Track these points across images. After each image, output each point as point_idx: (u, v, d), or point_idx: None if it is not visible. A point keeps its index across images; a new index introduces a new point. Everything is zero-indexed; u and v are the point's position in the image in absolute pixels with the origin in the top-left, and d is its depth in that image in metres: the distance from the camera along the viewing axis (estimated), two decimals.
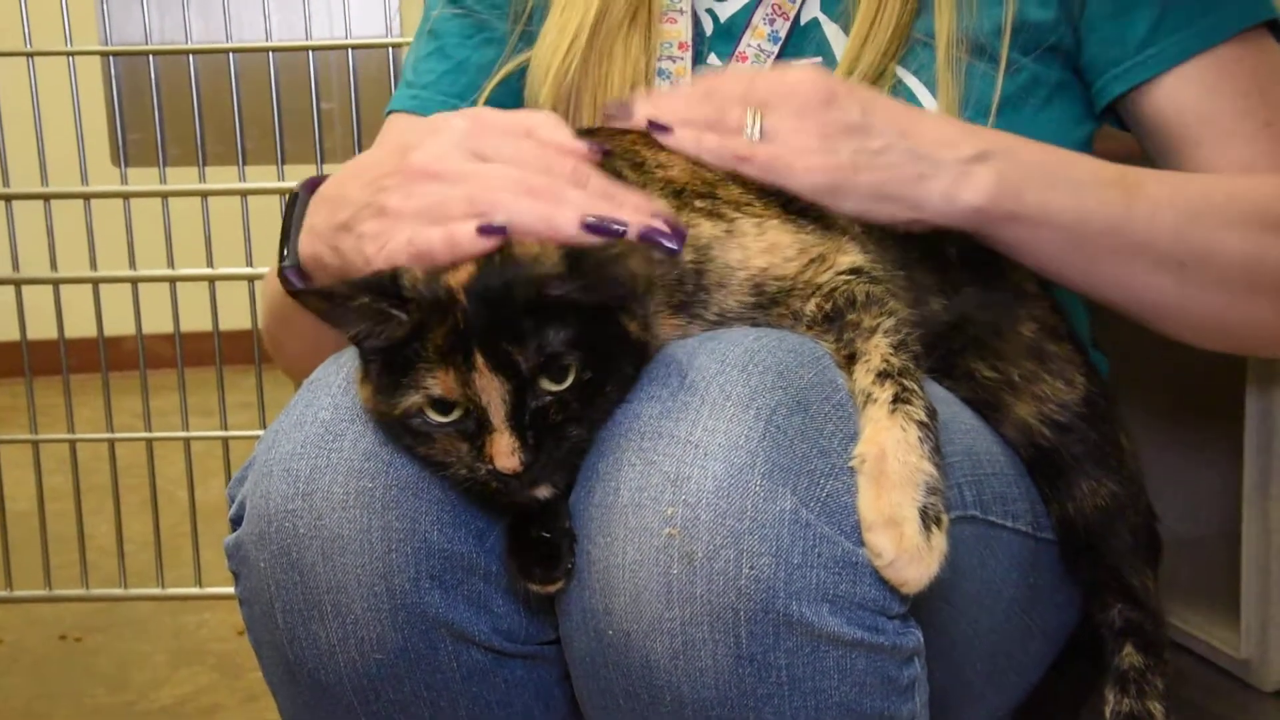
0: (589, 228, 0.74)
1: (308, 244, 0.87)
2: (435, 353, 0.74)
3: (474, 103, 1.12)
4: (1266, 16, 1.01)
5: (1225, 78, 1.00)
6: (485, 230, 0.74)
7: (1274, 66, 1.01)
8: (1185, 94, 1.01)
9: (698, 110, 0.90)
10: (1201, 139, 1.00)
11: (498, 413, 0.74)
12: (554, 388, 0.74)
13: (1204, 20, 1.00)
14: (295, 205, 0.90)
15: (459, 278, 0.74)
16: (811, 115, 0.89)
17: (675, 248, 0.76)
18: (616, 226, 0.74)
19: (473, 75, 1.13)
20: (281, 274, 0.89)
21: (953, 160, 0.90)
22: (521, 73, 1.12)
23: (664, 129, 0.89)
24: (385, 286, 0.75)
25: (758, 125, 0.89)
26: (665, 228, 0.75)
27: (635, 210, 0.76)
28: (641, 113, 0.91)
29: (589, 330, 0.75)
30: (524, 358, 0.73)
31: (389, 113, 1.17)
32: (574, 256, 0.74)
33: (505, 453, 0.74)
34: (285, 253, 0.89)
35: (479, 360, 0.73)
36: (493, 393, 0.74)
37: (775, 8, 1.07)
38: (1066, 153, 0.95)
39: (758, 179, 0.88)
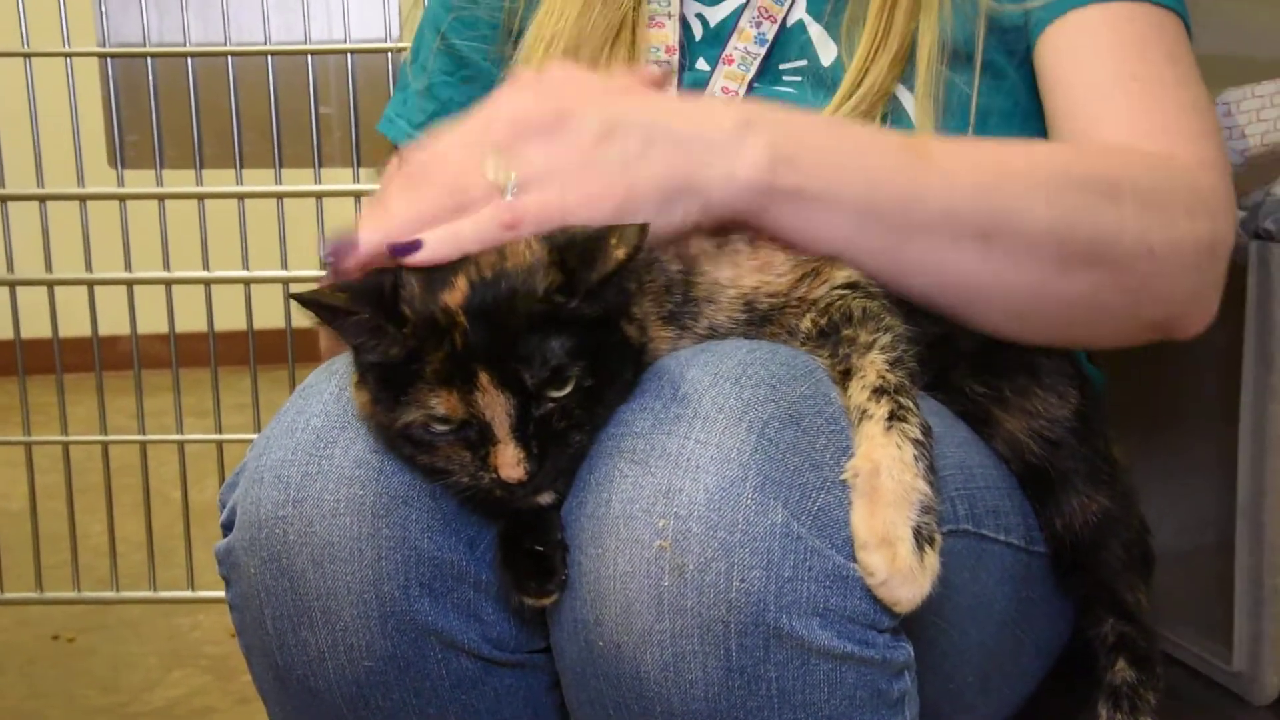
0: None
1: None
2: (435, 375, 0.74)
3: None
4: (1167, 2, 0.99)
5: (1109, 30, 0.98)
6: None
7: (1166, 37, 0.98)
8: (1067, 41, 0.99)
9: (432, 202, 0.78)
10: (1071, 85, 0.97)
11: (502, 426, 0.74)
12: (556, 394, 0.74)
13: None
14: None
15: (454, 297, 0.74)
16: (554, 141, 0.79)
17: None
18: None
19: (454, 114, 1.13)
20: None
21: (720, 135, 0.81)
22: None
23: (411, 247, 0.76)
24: (384, 300, 0.75)
25: (510, 179, 0.78)
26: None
27: None
28: (367, 239, 0.78)
29: (589, 337, 0.75)
30: (529, 374, 0.73)
31: (382, 126, 1.17)
32: (560, 250, 0.74)
33: (511, 464, 0.74)
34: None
35: (483, 379, 0.73)
36: (497, 408, 0.74)
37: (762, 10, 1.07)
38: (841, 120, 0.91)
39: (536, 235, 0.77)
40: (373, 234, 0.78)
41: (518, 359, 0.73)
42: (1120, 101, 0.96)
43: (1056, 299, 0.90)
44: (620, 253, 0.73)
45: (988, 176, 0.87)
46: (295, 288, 1.30)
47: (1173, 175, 0.92)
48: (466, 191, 0.79)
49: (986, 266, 0.87)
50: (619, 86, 0.85)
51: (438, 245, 0.76)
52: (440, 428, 0.75)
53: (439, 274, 0.75)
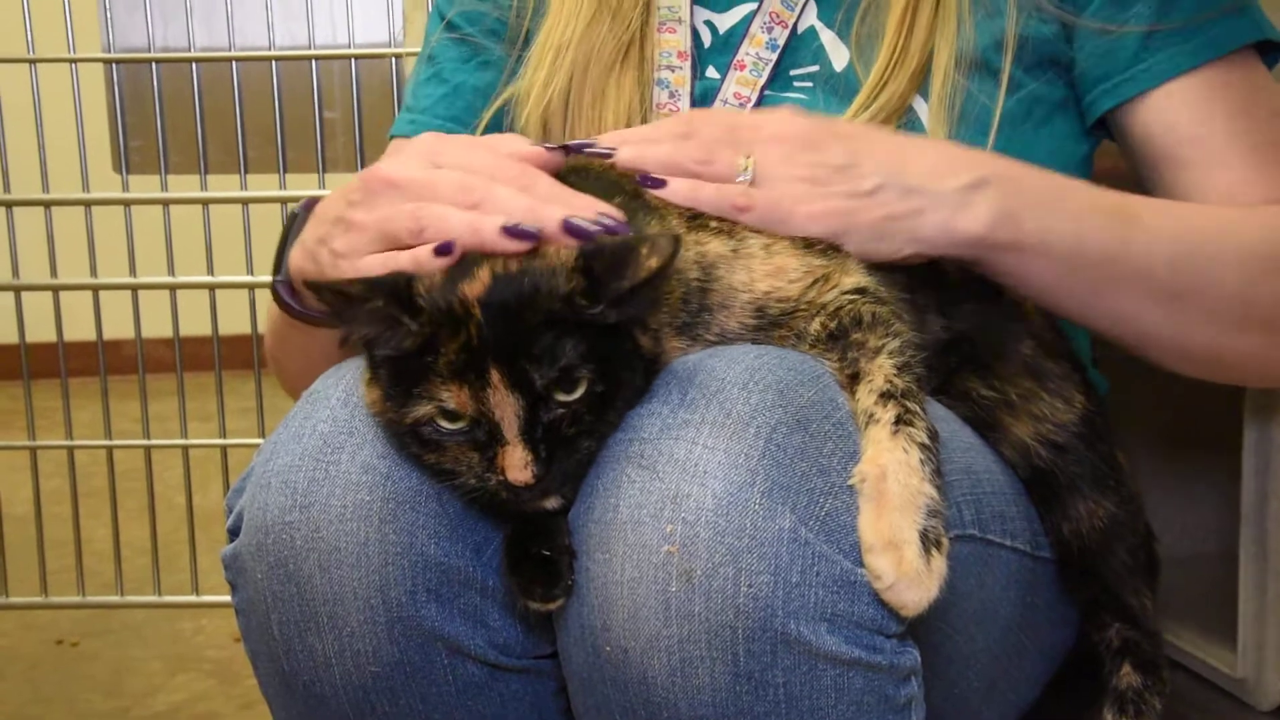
0: (509, 232, 0.76)
1: (296, 259, 0.90)
2: (448, 368, 0.74)
3: (473, 128, 1.12)
4: (1258, 37, 1.01)
5: (1215, 98, 1.00)
6: (441, 250, 0.78)
7: (1260, 88, 1.01)
8: (1173, 112, 1.00)
9: (683, 152, 0.88)
10: (1189, 160, 1.00)
11: (511, 427, 0.74)
12: (566, 398, 0.74)
13: (1196, 38, 1.00)
14: (294, 224, 0.94)
15: (474, 289, 0.74)
16: (797, 159, 0.88)
17: (597, 233, 0.77)
18: (531, 230, 0.77)
19: (469, 98, 1.13)
20: (274, 289, 0.94)
21: (949, 191, 0.89)
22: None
23: (658, 182, 0.87)
24: (399, 291, 0.75)
25: (750, 169, 0.87)
26: (589, 219, 0.77)
27: (573, 210, 0.78)
28: (625, 157, 0.88)
29: (602, 343, 0.75)
30: (540, 375, 0.73)
31: (391, 137, 1.17)
32: (588, 257, 0.75)
33: (518, 466, 0.74)
34: (279, 268, 0.94)
35: (494, 377, 0.73)
36: (507, 408, 0.74)
37: (774, 16, 1.07)
38: (1064, 179, 0.95)
39: (756, 226, 0.86)
40: (632, 149, 0.88)
41: (528, 358, 0.73)
42: (1247, 173, 0.99)
43: (1231, 352, 0.97)
44: (653, 263, 0.74)
45: (1185, 243, 0.94)
46: None
47: None
48: (713, 160, 0.87)
49: (1171, 322, 0.95)
50: (875, 134, 0.93)
51: (679, 190, 0.86)
52: (449, 426, 0.75)
53: (464, 263, 0.76)
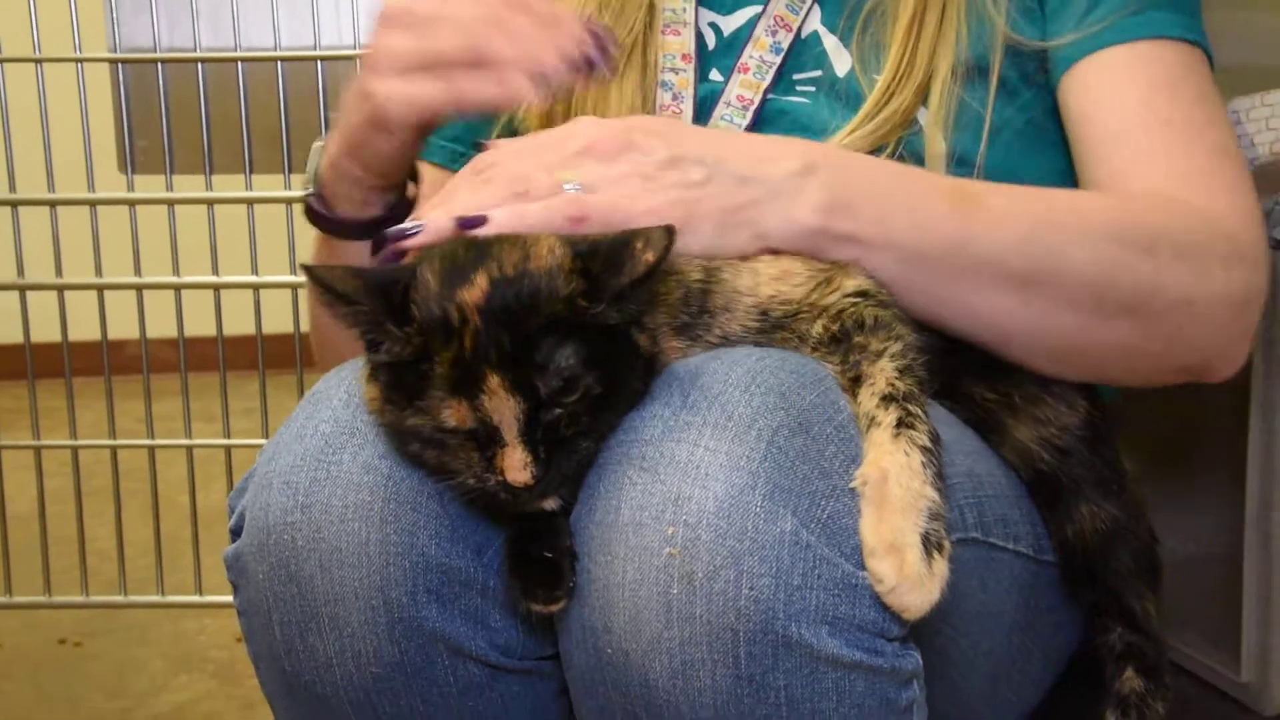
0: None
1: (325, 162, 0.96)
2: (443, 382, 0.74)
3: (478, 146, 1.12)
4: (1192, 37, 1.00)
5: (1137, 71, 0.99)
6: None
7: (1193, 77, 1.00)
8: (1095, 81, 0.99)
9: (496, 195, 0.83)
10: (1104, 125, 0.98)
11: (510, 430, 0.74)
12: (566, 400, 0.74)
13: (1130, 20, 0.99)
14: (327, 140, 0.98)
15: (473, 295, 0.74)
16: (619, 161, 0.84)
17: (599, 60, 0.81)
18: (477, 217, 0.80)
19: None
20: (307, 205, 0.98)
21: (779, 176, 0.86)
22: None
23: (477, 221, 0.81)
24: (392, 296, 0.75)
25: (575, 182, 0.83)
26: (578, 50, 0.81)
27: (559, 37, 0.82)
28: (434, 220, 0.82)
29: (601, 343, 0.75)
30: (542, 381, 0.73)
31: None
32: (584, 257, 0.74)
33: (517, 467, 0.74)
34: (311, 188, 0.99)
35: (493, 383, 0.73)
36: (506, 412, 0.74)
37: (778, 19, 1.07)
38: (896, 165, 0.93)
39: (597, 233, 0.79)
40: (440, 216, 0.82)
41: (531, 364, 0.73)
42: (1152, 146, 0.97)
43: (1094, 343, 0.93)
44: (649, 256, 0.74)
45: (1032, 227, 0.90)
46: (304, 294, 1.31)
47: (1210, 226, 0.94)
48: (530, 190, 0.82)
49: (1027, 312, 0.90)
50: (685, 127, 0.91)
51: (504, 220, 0.80)
52: (448, 431, 0.75)
53: (459, 269, 0.75)
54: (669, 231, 0.75)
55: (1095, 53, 1.00)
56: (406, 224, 0.83)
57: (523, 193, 0.82)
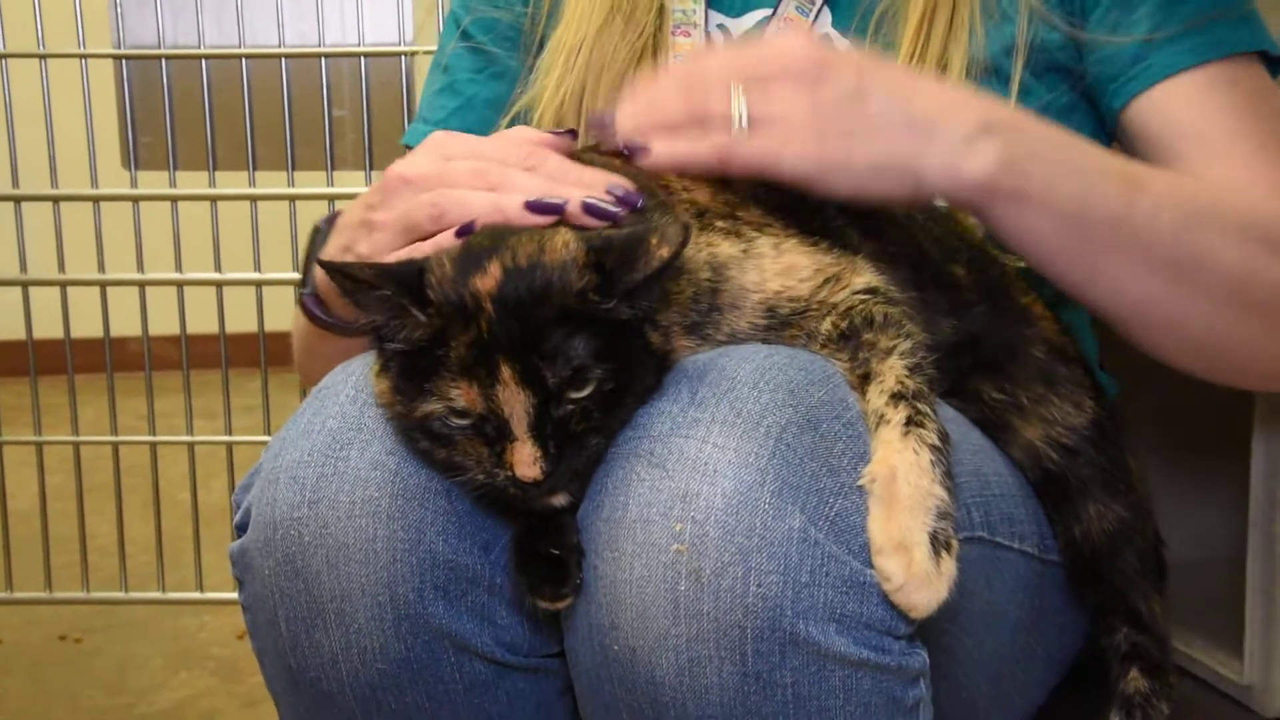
0: (531, 207, 0.79)
1: (319, 272, 0.91)
2: (458, 363, 0.74)
3: None
4: (1259, 46, 1.01)
5: (1215, 95, 0.99)
6: (462, 231, 0.80)
7: (1263, 91, 1.01)
8: (1174, 108, 1.00)
9: (680, 105, 0.86)
10: (1188, 154, 0.99)
11: (520, 423, 0.74)
12: (576, 395, 0.74)
13: (1197, 38, 0.99)
14: (318, 237, 0.96)
15: (486, 283, 0.74)
16: (803, 90, 0.85)
17: (618, 212, 0.80)
18: (556, 202, 0.79)
19: (481, 111, 1.13)
20: (301, 301, 0.96)
21: (956, 130, 0.86)
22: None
23: (640, 150, 0.86)
24: (410, 280, 0.75)
25: (743, 114, 0.84)
26: (609, 198, 0.79)
27: (584, 186, 0.80)
28: (622, 123, 0.87)
29: (614, 340, 0.75)
30: (552, 373, 0.73)
31: (404, 146, 1.17)
32: (598, 251, 0.75)
33: (527, 462, 0.74)
34: (305, 282, 0.96)
35: (505, 373, 0.73)
36: (516, 404, 0.74)
37: (788, 22, 1.07)
38: (1072, 136, 0.93)
39: (744, 176, 0.86)
40: (627, 119, 0.87)
41: (541, 355, 0.73)
42: (1254, 175, 0.98)
43: (1226, 337, 0.95)
44: (664, 252, 0.74)
45: (1188, 215, 0.91)
46: None
47: None
48: (708, 112, 0.85)
49: (1169, 294, 0.92)
50: (882, 63, 0.91)
51: (660, 156, 0.85)
52: (458, 421, 0.75)
53: (473, 256, 0.76)
54: (685, 228, 0.75)
55: (1169, 78, 1.00)
56: (604, 112, 0.88)
57: (699, 113, 0.85)
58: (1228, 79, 0.99)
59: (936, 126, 0.86)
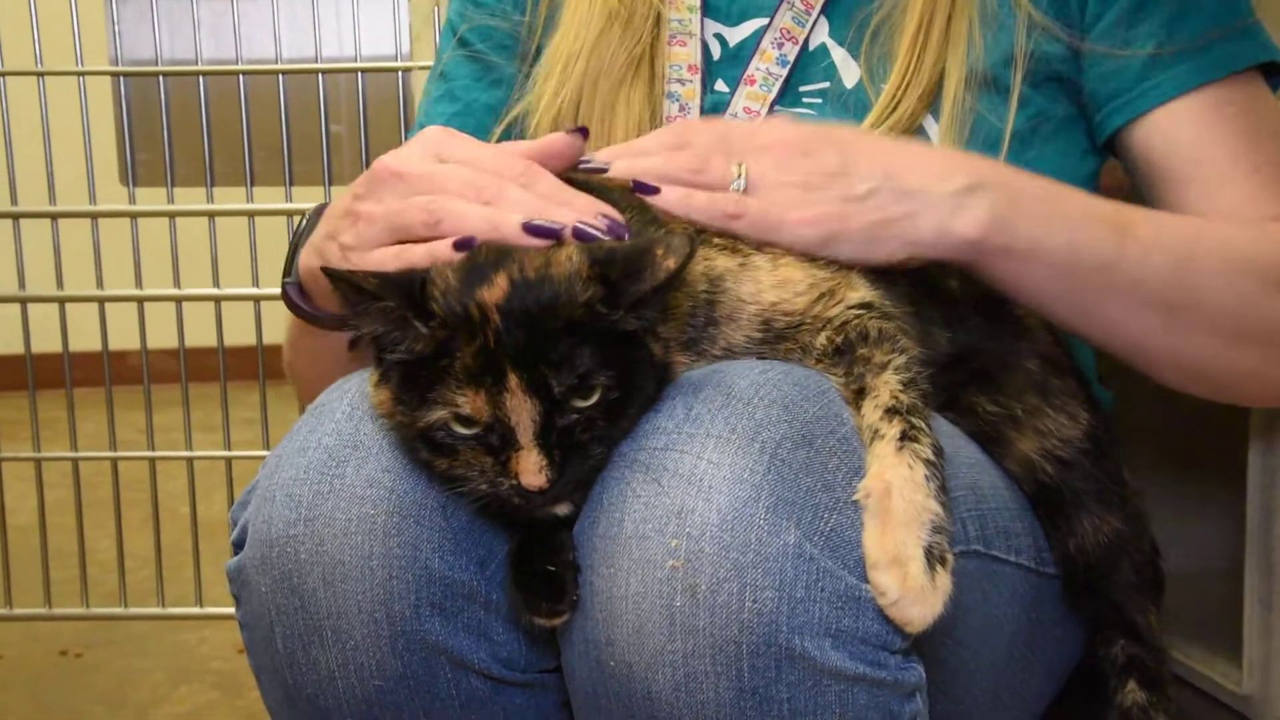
0: (529, 229, 0.79)
1: (305, 258, 0.91)
2: (464, 372, 0.74)
3: None
4: (1263, 58, 1.01)
5: (1218, 118, 1.00)
6: (460, 245, 0.79)
7: (1263, 109, 1.01)
8: (1176, 130, 1.01)
9: (676, 163, 0.88)
10: (1191, 178, 1.00)
11: (526, 432, 0.74)
12: (582, 404, 0.75)
13: (1201, 58, 1.00)
14: (305, 226, 0.95)
15: (493, 295, 0.75)
16: (791, 166, 0.88)
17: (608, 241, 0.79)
18: (554, 227, 0.79)
19: (480, 116, 1.13)
20: (284, 290, 0.94)
21: (944, 193, 0.89)
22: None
23: (650, 189, 0.87)
24: (413, 292, 0.75)
25: (743, 177, 0.87)
26: (601, 225, 0.79)
27: (576, 210, 0.80)
28: (620, 169, 0.88)
29: (617, 349, 0.75)
30: (558, 381, 0.74)
31: None
32: (602, 263, 0.75)
33: (532, 470, 0.74)
34: (289, 271, 0.94)
35: (512, 382, 0.74)
36: (523, 413, 0.74)
37: (784, 32, 1.07)
38: (1059, 186, 0.95)
39: (748, 236, 0.86)
40: (624, 162, 0.88)
41: (548, 364, 0.74)
42: (1252, 195, 0.99)
43: (1226, 367, 0.97)
44: (670, 263, 0.74)
45: (1178, 258, 0.93)
46: None
47: None
48: (706, 172, 0.87)
49: (1166, 333, 0.95)
50: (867, 138, 0.95)
51: (671, 198, 0.86)
52: (462, 430, 0.75)
53: (478, 269, 0.76)
54: (691, 240, 0.76)
55: (1173, 100, 1.00)
56: (594, 160, 0.88)
57: (699, 171, 0.87)
58: (1227, 99, 1.00)
59: (924, 191, 0.88)
